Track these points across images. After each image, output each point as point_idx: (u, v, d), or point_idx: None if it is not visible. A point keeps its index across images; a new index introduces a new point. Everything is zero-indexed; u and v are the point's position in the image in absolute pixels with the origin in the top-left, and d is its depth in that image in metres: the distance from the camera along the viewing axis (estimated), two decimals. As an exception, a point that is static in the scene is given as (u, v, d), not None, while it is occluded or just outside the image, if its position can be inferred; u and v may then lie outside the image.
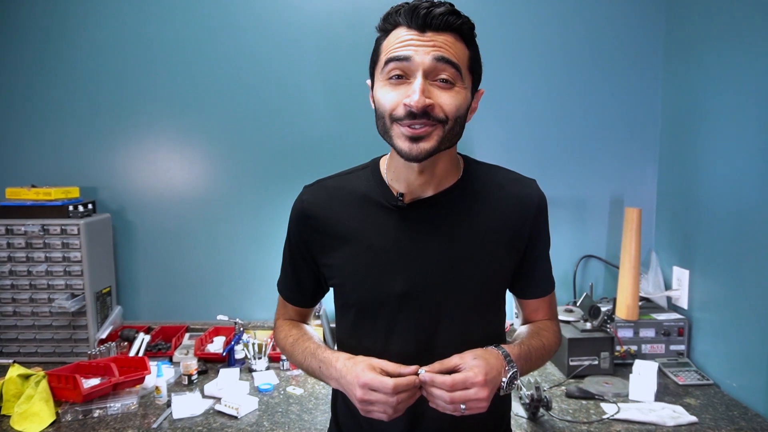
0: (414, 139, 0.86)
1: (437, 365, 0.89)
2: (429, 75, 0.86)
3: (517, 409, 1.55)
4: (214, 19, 2.11)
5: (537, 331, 1.04)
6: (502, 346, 0.94)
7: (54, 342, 1.96)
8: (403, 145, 0.87)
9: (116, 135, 2.15)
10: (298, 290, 1.12)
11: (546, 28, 2.10)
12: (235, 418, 1.54)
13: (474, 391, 0.85)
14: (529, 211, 1.00)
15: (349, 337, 1.05)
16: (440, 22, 0.85)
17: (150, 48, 2.12)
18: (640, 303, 1.91)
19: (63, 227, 1.91)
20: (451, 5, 0.88)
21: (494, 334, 1.04)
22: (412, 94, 0.84)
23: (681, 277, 1.95)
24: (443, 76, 0.86)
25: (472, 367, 0.87)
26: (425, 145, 0.87)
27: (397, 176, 0.97)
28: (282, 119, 2.14)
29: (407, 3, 0.88)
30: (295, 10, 2.10)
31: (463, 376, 0.85)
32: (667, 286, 2.03)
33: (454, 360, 0.89)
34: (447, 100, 0.87)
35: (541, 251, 1.06)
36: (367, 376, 0.87)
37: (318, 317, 1.96)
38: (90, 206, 2.05)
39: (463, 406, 0.85)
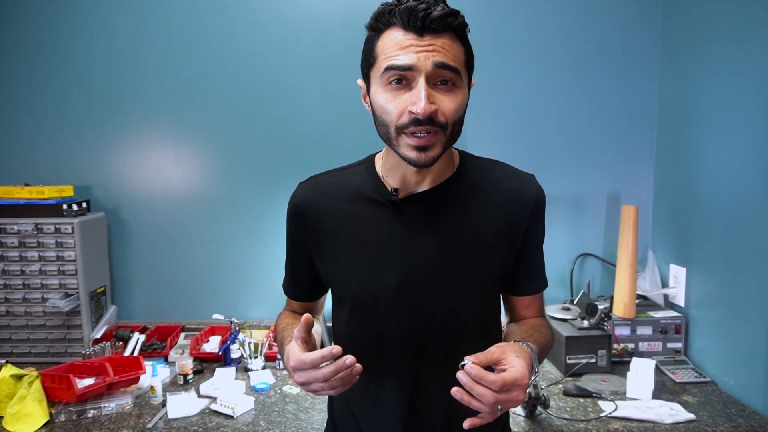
0: (421, 148, 0.86)
1: (482, 357, 0.81)
2: (430, 79, 0.85)
3: (515, 407, 1.55)
4: (208, 17, 2.09)
5: (538, 328, 1.03)
6: (529, 343, 0.91)
7: (48, 342, 1.94)
8: (411, 154, 0.87)
9: (110, 133, 2.13)
10: (296, 285, 1.13)
11: (542, 24, 2.09)
12: (231, 417, 1.53)
13: (516, 393, 0.80)
14: (527, 206, 0.99)
15: (344, 332, 1.04)
16: (439, 25, 0.83)
17: (144, 46, 2.10)
18: (637, 301, 1.91)
19: (57, 226, 1.89)
20: (445, 3, 0.86)
21: (489, 327, 1.03)
22: (418, 102, 0.83)
23: (678, 274, 1.95)
24: (444, 78, 0.86)
25: (518, 366, 0.81)
26: (431, 153, 0.87)
27: (393, 172, 0.97)
28: (277, 117, 2.13)
29: (399, 2, 0.86)
30: (290, 7, 2.09)
31: (513, 377, 0.79)
32: (664, 284, 2.03)
33: (496, 353, 0.82)
34: (448, 105, 0.86)
35: (537, 247, 1.05)
36: (292, 360, 0.84)
37: (314, 316, 1.95)
38: (84, 205, 2.03)
39: (500, 406, 0.80)
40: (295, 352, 0.85)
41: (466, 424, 0.81)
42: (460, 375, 0.79)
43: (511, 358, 0.82)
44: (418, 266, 0.95)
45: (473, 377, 0.78)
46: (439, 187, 0.97)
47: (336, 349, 0.81)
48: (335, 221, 0.99)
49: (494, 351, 0.83)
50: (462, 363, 0.80)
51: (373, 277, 0.96)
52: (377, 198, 0.98)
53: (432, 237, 0.95)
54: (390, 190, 0.97)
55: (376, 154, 1.04)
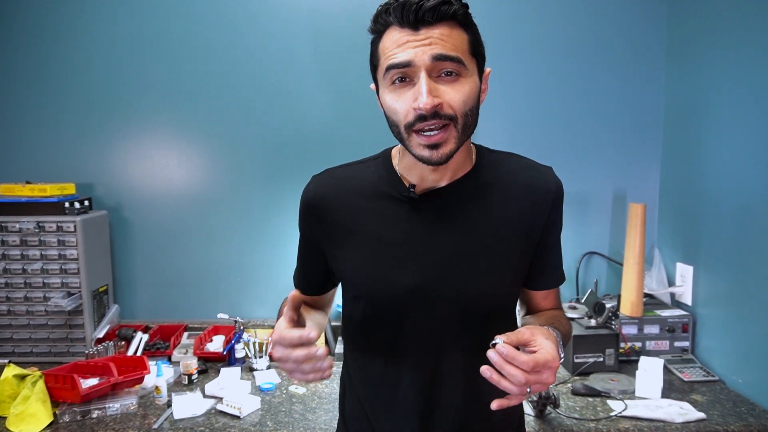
0: (433, 146, 0.84)
1: (513, 337, 0.80)
2: (431, 72, 0.83)
3: (524, 407, 1.54)
4: (210, 14, 2.07)
5: (557, 318, 1.01)
6: (556, 329, 0.90)
7: (50, 341, 1.92)
8: (424, 152, 0.85)
9: (112, 131, 2.11)
10: (307, 278, 1.11)
11: (549, 25, 2.08)
12: (238, 418, 1.52)
13: (546, 376, 0.79)
14: (546, 199, 0.98)
15: (358, 330, 1.02)
16: (432, 16, 0.81)
17: (145, 42, 2.08)
18: (643, 299, 1.90)
19: (59, 224, 1.87)
20: None
21: (509, 323, 1.02)
22: (419, 97, 0.81)
23: (685, 273, 1.94)
24: (446, 69, 0.84)
25: (548, 349, 0.80)
26: (445, 150, 0.85)
27: (409, 168, 0.95)
28: (280, 114, 2.11)
29: (395, 0, 0.84)
30: (292, 5, 2.07)
31: (545, 358, 0.78)
32: (671, 283, 2.02)
33: (526, 334, 0.81)
34: (454, 96, 0.84)
35: (555, 241, 1.04)
36: (275, 333, 0.82)
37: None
38: (86, 203, 2.01)
39: (528, 388, 0.79)
40: (280, 327, 0.83)
41: (494, 405, 0.80)
42: (491, 354, 0.77)
43: (541, 340, 0.81)
44: (437, 264, 0.93)
45: (505, 356, 0.77)
46: (457, 183, 0.95)
47: (313, 333, 0.79)
48: (350, 217, 0.97)
49: (524, 332, 0.82)
50: (493, 342, 0.79)
51: (390, 275, 0.94)
52: (394, 194, 0.96)
53: (450, 234, 0.94)
54: (407, 186, 0.95)
55: (392, 148, 1.01)
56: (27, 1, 2.06)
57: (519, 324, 1.09)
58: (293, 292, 0.84)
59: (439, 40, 0.82)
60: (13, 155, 2.11)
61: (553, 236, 1.02)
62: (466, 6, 0.86)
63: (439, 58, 0.82)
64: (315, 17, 2.07)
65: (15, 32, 2.07)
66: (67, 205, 1.90)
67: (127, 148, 2.12)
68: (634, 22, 2.08)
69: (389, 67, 0.84)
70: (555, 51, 2.10)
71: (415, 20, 0.82)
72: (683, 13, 1.97)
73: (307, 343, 0.79)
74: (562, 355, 0.87)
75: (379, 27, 0.87)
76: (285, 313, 0.85)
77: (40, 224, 1.87)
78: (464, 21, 0.86)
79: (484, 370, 0.78)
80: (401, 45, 0.83)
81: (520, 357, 0.77)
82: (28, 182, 1.97)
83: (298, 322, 0.87)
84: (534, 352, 0.80)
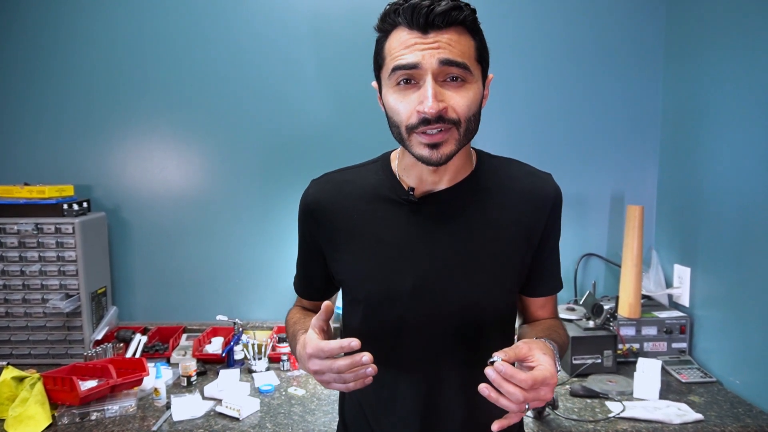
0: (433, 145, 0.85)
1: (511, 353, 0.79)
2: (438, 76, 0.83)
3: (541, 406, 1.54)
4: (208, 15, 2.07)
5: (554, 329, 1.02)
6: (550, 341, 0.89)
7: (48, 343, 1.91)
8: (423, 151, 0.85)
9: (111, 132, 2.11)
10: (308, 284, 1.11)
11: (548, 25, 2.09)
12: (237, 419, 1.52)
13: (545, 392, 0.78)
14: (545, 205, 0.98)
15: (358, 333, 1.02)
16: (442, 20, 0.82)
17: (145, 44, 2.08)
18: (641, 301, 1.91)
19: (57, 226, 1.87)
20: None
21: (506, 329, 1.02)
22: (425, 101, 0.82)
23: (682, 274, 1.94)
24: (452, 74, 0.84)
25: (546, 365, 0.79)
26: (445, 150, 0.85)
27: (409, 171, 0.95)
28: (279, 115, 2.11)
29: (405, 1, 0.84)
30: (292, 5, 2.07)
31: (543, 375, 0.77)
32: (668, 284, 2.03)
33: (524, 350, 0.81)
34: (459, 101, 0.84)
35: (553, 248, 1.04)
36: (309, 347, 0.82)
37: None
38: (85, 205, 2.00)
39: (527, 405, 0.78)
40: (313, 339, 0.83)
41: (495, 426, 0.80)
42: (489, 372, 0.77)
43: (539, 355, 0.80)
44: (436, 267, 0.93)
45: (503, 375, 0.76)
46: (456, 187, 0.95)
47: (355, 342, 0.79)
48: (350, 220, 0.97)
49: (522, 347, 0.82)
50: (491, 360, 0.78)
51: (389, 277, 0.94)
52: (393, 197, 0.96)
53: (449, 237, 0.94)
54: (407, 189, 0.95)
55: (391, 152, 1.02)
56: (27, 1, 2.06)
57: (516, 331, 1.10)
58: (327, 303, 0.84)
59: (447, 45, 0.82)
60: (12, 157, 2.11)
61: (551, 242, 1.03)
62: (475, 12, 0.86)
63: (446, 63, 0.82)
64: (315, 19, 2.08)
65: (15, 32, 2.07)
66: (65, 206, 1.90)
67: (125, 149, 2.12)
68: (632, 22, 2.09)
69: (395, 68, 0.84)
70: (553, 52, 2.10)
71: (425, 23, 0.82)
72: (682, 13, 1.98)
73: (348, 351, 0.79)
74: (559, 369, 0.87)
75: (386, 26, 0.87)
76: (313, 324, 0.85)
77: (39, 226, 1.87)
78: (472, 27, 0.86)
79: (483, 388, 0.77)
80: (409, 47, 0.83)
81: (518, 375, 0.76)
82: (26, 184, 1.96)
83: (326, 332, 0.87)
84: (532, 367, 0.79)
